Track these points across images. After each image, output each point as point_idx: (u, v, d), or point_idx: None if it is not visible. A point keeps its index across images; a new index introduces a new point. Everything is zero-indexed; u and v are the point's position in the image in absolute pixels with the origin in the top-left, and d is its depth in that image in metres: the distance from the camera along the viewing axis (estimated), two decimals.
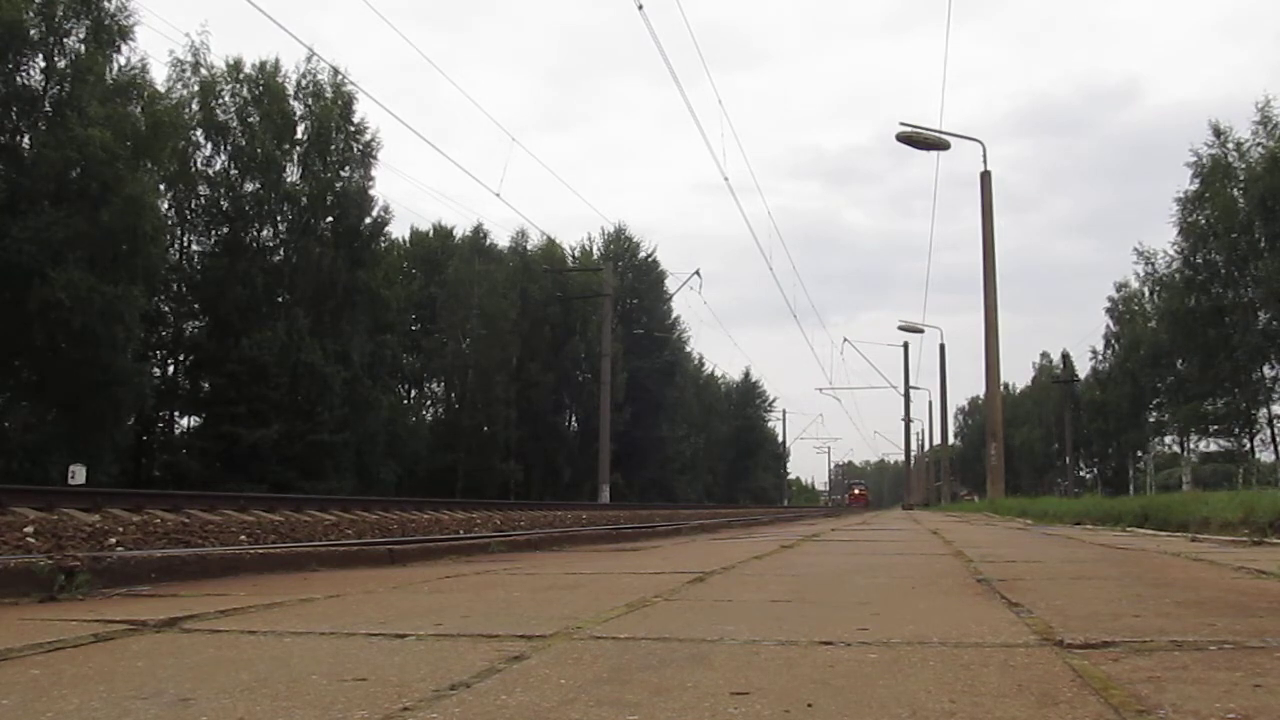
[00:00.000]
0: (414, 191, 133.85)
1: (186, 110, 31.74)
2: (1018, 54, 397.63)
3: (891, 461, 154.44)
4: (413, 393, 48.66)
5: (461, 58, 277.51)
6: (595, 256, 53.33)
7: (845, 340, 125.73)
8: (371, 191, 36.13)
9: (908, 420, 54.42)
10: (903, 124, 22.03)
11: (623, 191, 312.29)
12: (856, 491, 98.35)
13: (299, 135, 34.37)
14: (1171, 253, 41.32)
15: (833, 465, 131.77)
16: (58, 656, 1.95)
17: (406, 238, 47.77)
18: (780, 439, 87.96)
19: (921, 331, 43.07)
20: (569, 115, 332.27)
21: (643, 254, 56.70)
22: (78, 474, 17.98)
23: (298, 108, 34.50)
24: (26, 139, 25.19)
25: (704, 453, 67.37)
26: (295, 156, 34.21)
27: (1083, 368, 60.84)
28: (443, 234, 48.97)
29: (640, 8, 17.80)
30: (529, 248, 49.06)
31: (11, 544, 6.69)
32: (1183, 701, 1.46)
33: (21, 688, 1.65)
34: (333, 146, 34.74)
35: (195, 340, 32.82)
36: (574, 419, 50.97)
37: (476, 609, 2.78)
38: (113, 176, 24.17)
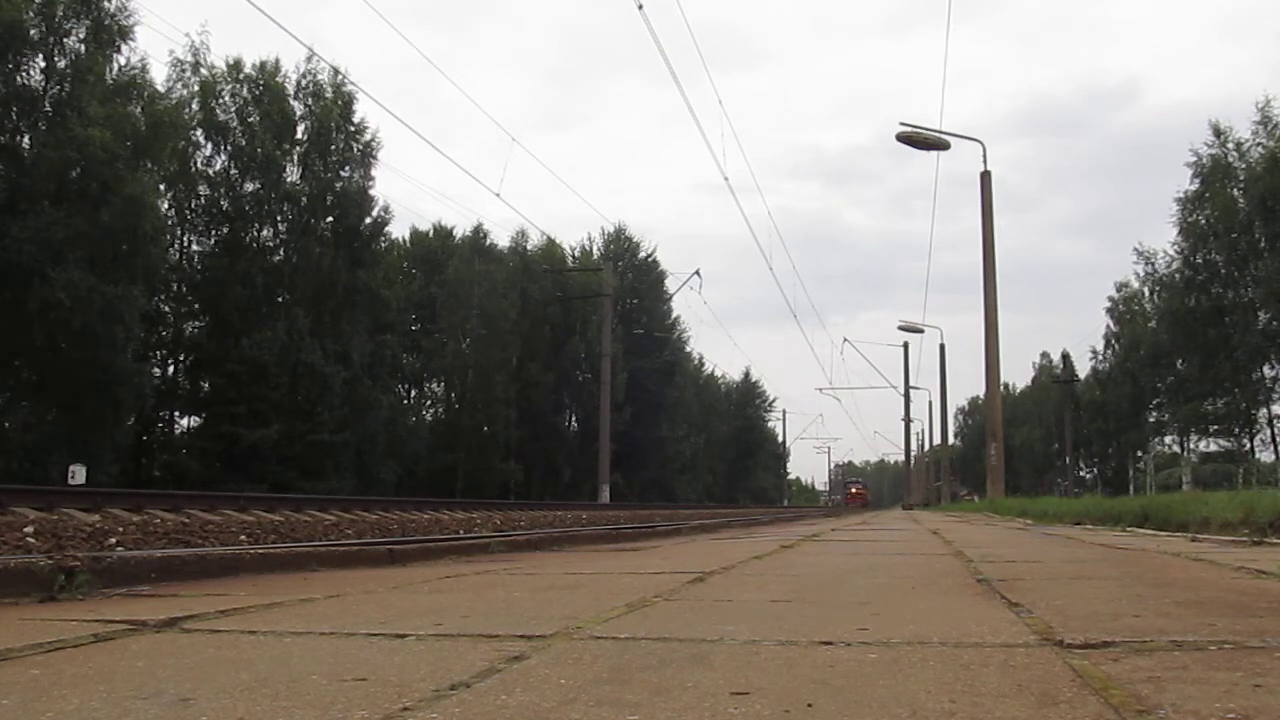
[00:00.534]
0: (414, 191, 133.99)
1: (186, 110, 31.75)
2: (1018, 54, 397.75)
3: (891, 461, 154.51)
4: (413, 393, 48.67)
5: (461, 58, 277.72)
6: (595, 256, 53.35)
7: (845, 340, 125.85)
8: (371, 191, 36.25)
9: (908, 420, 54.48)
10: (903, 124, 22.05)
11: (623, 191, 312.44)
12: (854, 490, 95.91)
13: (299, 135, 34.40)
14: (1171, 253, 41.40)
15: (833, 465, 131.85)
16: (58, 656, 1.95)
17: (406, 238, 47.86)
18: (780, 439, 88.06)
19: (921, 331, 43.11)
20: (569, 115, 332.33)
21: (643, 254, 56.79)
22: (78, 474, 17.98)
23: (298, 108, 34.54)
24: (26, 139, 25.21)
25: (704, 453, 67.38)
26: (295, 156, 34.24)
27: (1083, 368, 60.94)
28: (443, 234, 48.99)
29: (640, 8, 17.82)
30: (529, 248, 49.14)
31: (11, 544, 6.68)
32: (1183, 701, 1.46)
33: (21, 688, 1.65)
34: (333, 146, 34.76)
35: (195, 340, 32.84)
36: (574, 419, 50.97)
37: (476, 609, 2.78)
38: (113, 176, 24.18)
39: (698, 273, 75.10)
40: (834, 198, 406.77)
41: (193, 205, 33.46)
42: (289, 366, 31.17)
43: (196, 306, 33.37)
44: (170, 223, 31.68)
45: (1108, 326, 54.12)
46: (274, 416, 30.42)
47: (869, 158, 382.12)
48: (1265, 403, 39.28)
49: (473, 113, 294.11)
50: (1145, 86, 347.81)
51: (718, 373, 77.68)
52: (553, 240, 49.74)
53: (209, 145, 33.30)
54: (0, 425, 24.82)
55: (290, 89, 34.51)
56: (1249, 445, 41.48)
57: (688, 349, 62.84)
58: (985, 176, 22.07)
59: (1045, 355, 75.68)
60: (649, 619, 2.53)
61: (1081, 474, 62.87)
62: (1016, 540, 7.36)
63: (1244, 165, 37.57)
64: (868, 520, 18.36)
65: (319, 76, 34.57)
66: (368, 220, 36.08)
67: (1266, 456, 40.57)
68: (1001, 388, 25.72)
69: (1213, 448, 45.70)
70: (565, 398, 49.85)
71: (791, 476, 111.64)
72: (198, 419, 32.69)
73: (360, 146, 35.54)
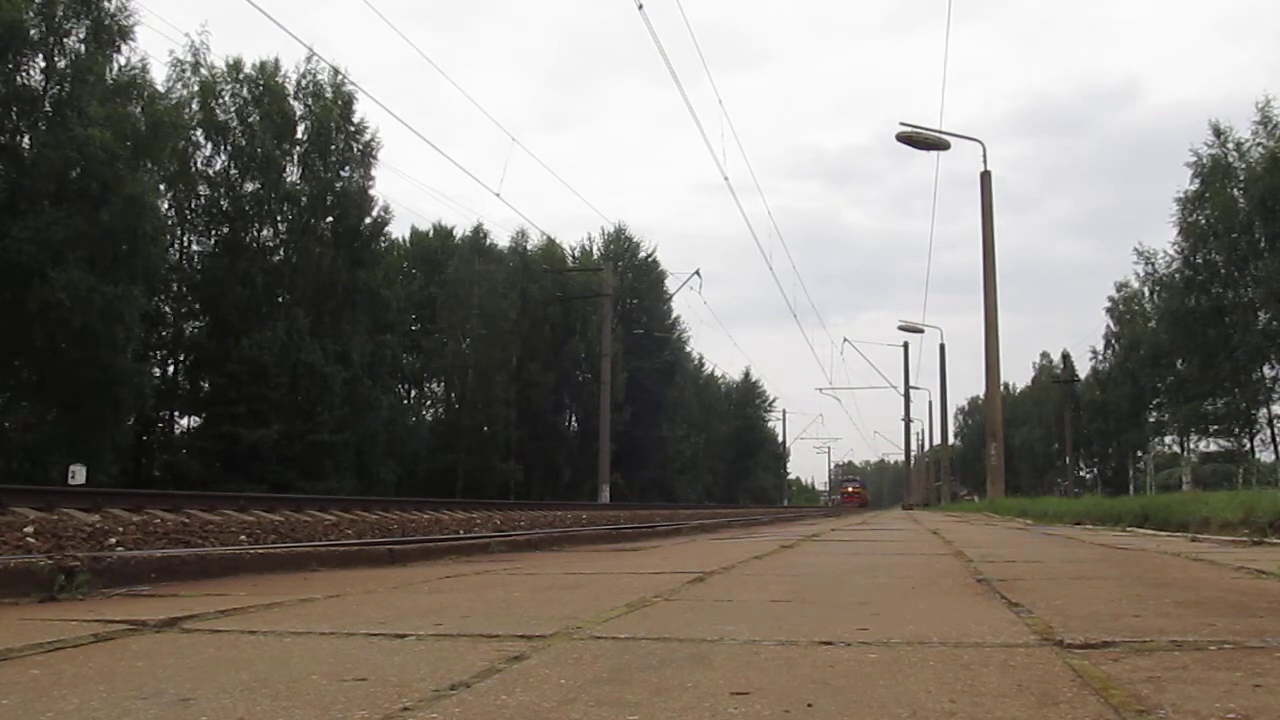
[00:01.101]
0: (414, 191, 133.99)
1: (186, 110, 31.75)
2: (1018, 54, 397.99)
3: (891, 461, 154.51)
4: (413, 393, 48.67)
5: (461, 58, 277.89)
6: (595, 256, 53.34)
7: (845, 340, 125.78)
8: (371, 191, 36.24)
9: (908, 420, 54.47)
10: (903, 124, 22.05)
11: (623, 191, 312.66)
12: (850, 490, 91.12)
13: (299, 135, 34.40)
14: (1171, 253, 41.40)
15: (833, 465, 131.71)
16: (58, 656, 1.95)
17: (406, 238, 47.86)
18: (780, 439, 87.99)
19: (921, 331, 43.10)
20: (569, 115, 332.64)
21: (643, 254, 56.78)
22: (78, 474, 17.97)
23: (298, 108, 34.53)
24: (26, 139, 25.20)
25: (704, 453, 67.37)
26: (295, 156, 34.24)
27: (1083, 368, 60.94)
28: (443, 234, 48.99)
29: (640, 8, 17.81)
30: (529, 248, 49.14)
31: (11, 544, 6.68)
32: (1183, 701, 1.46)
33: (21, 688, 1.65)
34: (333, 146, 34.76)
35: (195, 340, 32.83)
36: (574, 419, 50.97)
37: (476, 609, 2.78)
38: (113, 176, 24.18)
39: (698, 273, 75.18)
40: (834, 198, 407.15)
41: (193, 205, 33.46)
42: (289, 366, 31.17)
43: (196, 306, 33.37)
44: (170, 223, 31.68)
45: (1108, 326, 54.21)
46: (274, 416, 30.42)
47: (869, 158, 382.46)
48: (1265, 403, 39.31)
49: (473, 113, 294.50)
50: (1145, 86, 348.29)
51: (718, 373, 77.80)
52: (553, 240, 49.80)
53: (209, 145, 33.34)
54: (0, 425, 24.81)
55: (290, 89, 34.53)
56: (1249, 445, 41.50)
57: (688, 349, 62.93)
58: (985, 176, 22.06)
59: (1045, 355, 75.79)
60: (649, 619, 2.53)
61: (1081, 474, 62.87)
62: (1016, 540, 7.36)
63: (1244, 165, 37.57)
64: (867, 520, 18.36)
65: (319, 76, 34.62)
66: (368, 220, 36.09)
67: (1266, 456, 40.61)
68: (1001, 388, 25.72)
69: (1213, 448, 45.76)
70: (565, 398, 49.85)
71: (791, 476, 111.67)
72: (198, 419, 32.70)
73: (360, 146, 35.56)
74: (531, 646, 2.04)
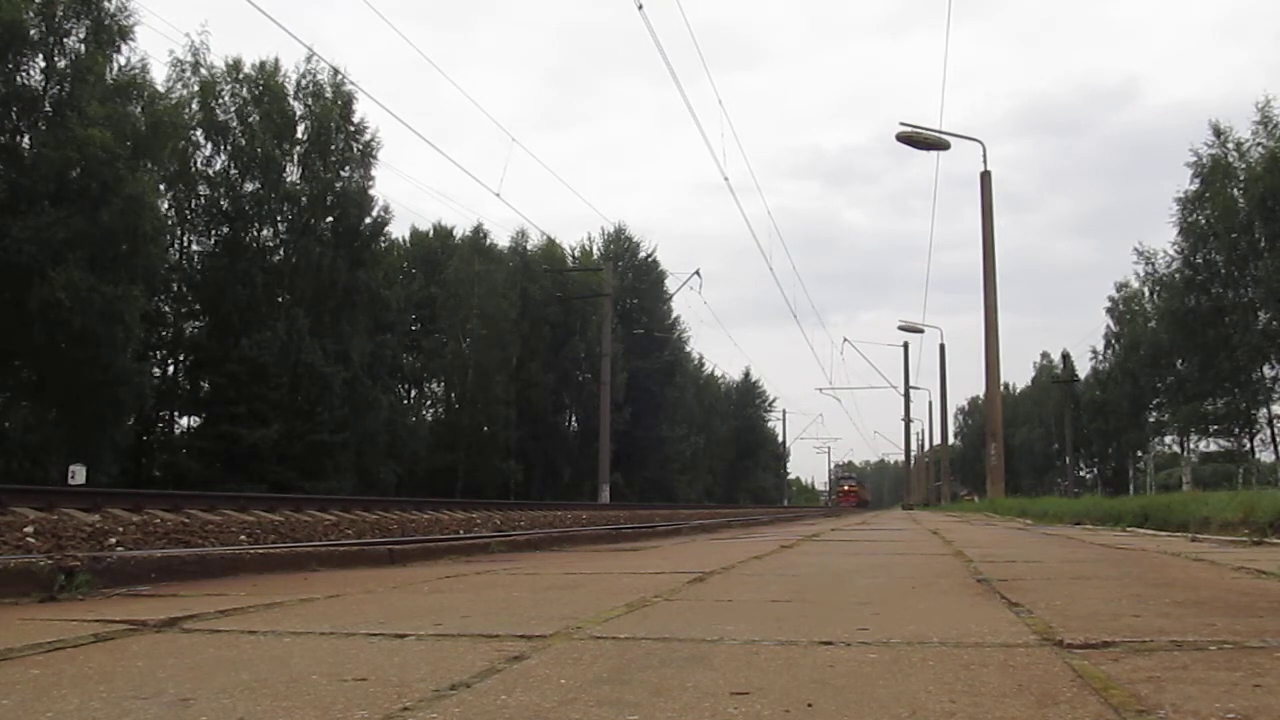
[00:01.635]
0: (414, 191, 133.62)
1: (186, 110, 31.75)
2: (1018, 54, 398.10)
3: (891, 461, 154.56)
4: (413, 393, 48.67)
5: (461, 58, 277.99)
6: (595, 256, 53.35)
7: (845, 340, 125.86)
8: (371, 191, 36.23)
9: (908, 420, 54.42)
10: (902, 124, 22.04)
11: (623, 191, 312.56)
12: (846, 488, 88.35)
13: (299, 135, 34.40)
14: (1171, 253, 41.34)
15: (832, 465, 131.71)
16: (58, 656, 1.95)
17: (406, 238, 47.87)
18: (780, 439, 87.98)
19: (921, 331, 43.11)
20: (569, 115, 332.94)
21: (643, 254, 56.80)
22: (78, 474, 17.97)
23: (297, 108, 34.53)
24: (26, 139, 25.20)
25: (704, 453, 67.35)
26: (295, 156, 34.24)
27: (1083, 368, 60.92)
28: (443, 234, 49.00)
29: (640, 7, 17.81)
30: (529, 248, 49.14)
31: (11, 544, 6.69)
32: (1183, 701, 1.46)
33: (21, 688, 1.65)
34: (333, 146, 34.76)
35: (195, 340, 32.84)
36: (574, 419, 50.97)
37: (476, 609, 2.78)
38: (113, 176, 24.16)
39: (698, 273, 75.19)
40: (833, 198, 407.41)
41: (193, 205, 33.48)
42: (289, 366, 31.17)
43: (196, 306, 33.37)
44: (170, 223, 31.65)
45: (1108, 326, 54.20)
46: (274, 416, 30.43)
47: (868, 158, 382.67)
48: (1265, 403, 39.29)
49: (473, 113, 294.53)
50: (1145, 86, 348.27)
51: (718, 373, 77.80)
52: (553, 240, 49.82)
53: (209, 145, 33.36)
54: (0, 425, 24.81)
55: (290, 89, 34.53)
56: (1249, 445, 41.51)
57: (688, 349, 62.95)
58: (985, 176, 22.06)
59: (1045, 355, 75.83)
60: (649, 619, 2.53)
61: (1081, 474, 62.87)
62: (1016, 540, 7.36)
63: (1244, 165, 37.54)
64: (867, 520, 18.36)
65: (319, 76, 34.61)
66: (368, 220, 36.08)
67: (1266, 456, 40.62)
68: (1001, 388, 25.72)
69: (1213, 448, 45.75)
70: (565, 398, 49.85)
71: (791, 476, 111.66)
72: (198, 419, 32.70)
73: (360, 146, 35.56)
74: (531, 646, 2.04)
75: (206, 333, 32.32)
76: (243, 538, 8.81)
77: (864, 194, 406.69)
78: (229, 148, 33.32)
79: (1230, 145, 37.98)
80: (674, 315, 58.58)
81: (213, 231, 33.64)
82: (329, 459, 32.02)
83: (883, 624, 2.37)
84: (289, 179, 33.94)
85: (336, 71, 34.31)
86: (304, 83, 34.60)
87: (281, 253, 34.14)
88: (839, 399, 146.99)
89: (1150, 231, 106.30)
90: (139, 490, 15.59)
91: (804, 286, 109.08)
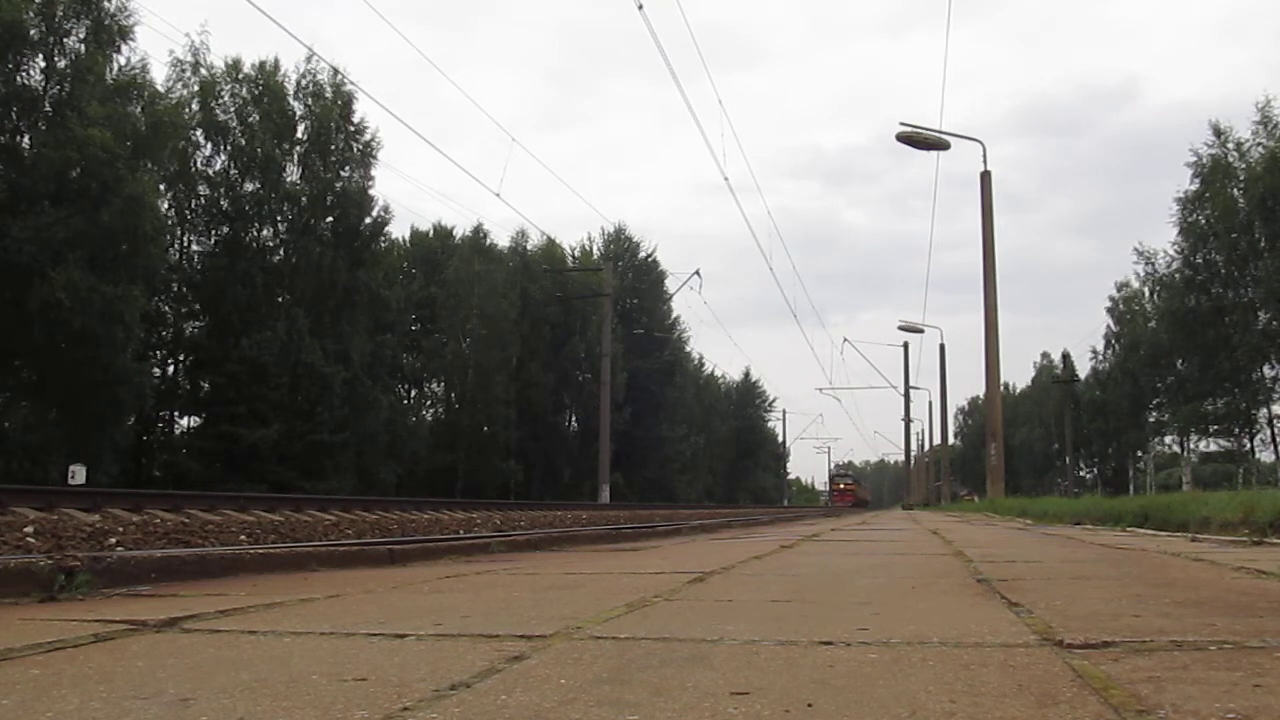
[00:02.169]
0: (414, 191, 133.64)
1: (186, 110, 31.74)
2: (1018, 54, 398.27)
3: (891, 461, 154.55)
4: (413, 393, 48.68)
5: (461, 58, 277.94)
6: (595, 256, 53.35)
7: (845, 340, 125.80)
8: (371, 191, 36.25)
9: (908, 420, 54.41)
10: (902, 124, 22.04)
11: (623, 191, 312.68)
12: (842, 487, 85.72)
13: (299, 135, 34.41)
14: (1171, 253, 41.34)
15: (832, 465, 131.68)
16: (58, 656, 1.95)
17: (406, 238, 47.88)
18: (780, 439, 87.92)
19: (921, 331, 43.11)
20: (569, 115, 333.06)
21: (643, 254, 56.81)
22: (78, 474, 17.97)
23: (297, 108, 34.54)
24: (26, 139, 25.21)
25: (704, 453, 67.36)
26: (295, 156, 34.25)
27: (1083, 368, 60.94)
28: (443, 234, 49.01)
29: (640, 7, 17.81)
30: (529, 248, 49.15)
31: (11, 544, 6.69)
32: (1183, 701, 1.46)
33: (21, 688, 1.65)
34: (333, 146, 34.76)
35: (195, 340, 32.84)
36: (574, 419, 50.97)
37: (476, 609, 2.78)
38: (113, 176, 24.17)
39: (698, 273, 75.22)
40: (833, 198, 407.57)
41: (193, 205, 33.48)
42: (289, 366, 31.17)
43: (196, 306, 33.37)
44: (170, 223, 31.66)
45: (1108, 326, 54.22)
46: (274, 416, 30.43)
47: (868, 158, 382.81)
48: (1265, 403, 39.29)
49: (473, 113, 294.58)
50: (1144, 86, 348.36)
51: (718, 373, 77.80)
52: (553, 240, 49.83)
53: (209, 145, 33.37)
54: (0, 425, 24.81)
55: (290, 89, 34.55)
56: (1249, 445, 41.51)
57: (688, 349, 62.96)
58: (985, 176, 22.06)
59: (1045, 355, 75.85)
60: (649, 619, 2.53)
61: (1081, 474, 62.87)
62: (1016, 540, 7.36)
63: (1244, 165, 37.54)
64: (867, 520, 18.36)
65: (319, 76, 34.62)
66: (368, 220, 36.09)
67: (1266, 456, 40.63)
68: (1001, 388, 25.72)
69: (1213, 448, 45.76)
70: (565, 398, 49.85)
71: (791, 476, 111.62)
72: (198, 419, 32.71)
73: (360, 146, 35.57)
74: (531, 646, 2.04)
75: (206, 333, 32.32)
76: (243, 538, 8.81)
77: (864, 194, 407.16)
78: (229, 148, 33.33)
79: (1230, 145, 38.00)
80: (674, 315, 58.69)
81: (213, 231, 33.65)
82: (329, 459, 32.02)
83: (883, 624, 2.37)
84: (289, 179, 33.96)
85: (336, 71, 34.36)
86: (304, 83, 34.65)
87: (281, 253, 34.14)
88: (839, 399, 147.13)
89: (1150, 231, 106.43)
90: (139, 490, 15.59)
91: (804, 286, 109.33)
